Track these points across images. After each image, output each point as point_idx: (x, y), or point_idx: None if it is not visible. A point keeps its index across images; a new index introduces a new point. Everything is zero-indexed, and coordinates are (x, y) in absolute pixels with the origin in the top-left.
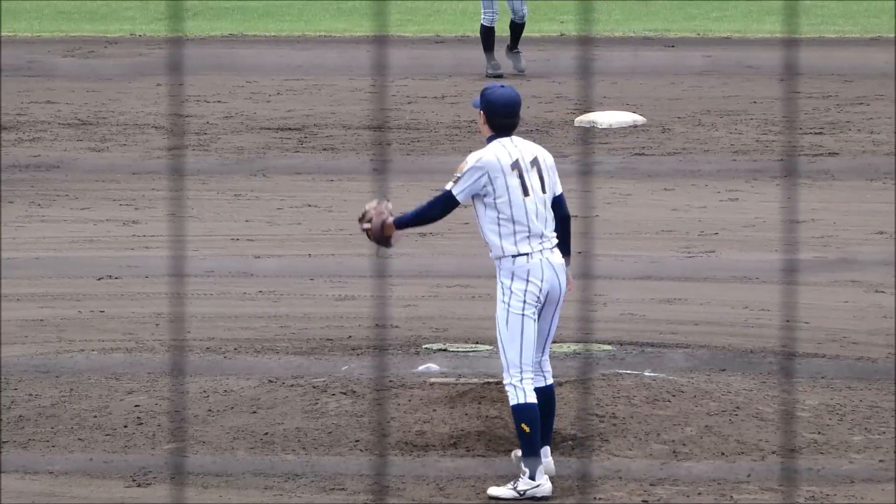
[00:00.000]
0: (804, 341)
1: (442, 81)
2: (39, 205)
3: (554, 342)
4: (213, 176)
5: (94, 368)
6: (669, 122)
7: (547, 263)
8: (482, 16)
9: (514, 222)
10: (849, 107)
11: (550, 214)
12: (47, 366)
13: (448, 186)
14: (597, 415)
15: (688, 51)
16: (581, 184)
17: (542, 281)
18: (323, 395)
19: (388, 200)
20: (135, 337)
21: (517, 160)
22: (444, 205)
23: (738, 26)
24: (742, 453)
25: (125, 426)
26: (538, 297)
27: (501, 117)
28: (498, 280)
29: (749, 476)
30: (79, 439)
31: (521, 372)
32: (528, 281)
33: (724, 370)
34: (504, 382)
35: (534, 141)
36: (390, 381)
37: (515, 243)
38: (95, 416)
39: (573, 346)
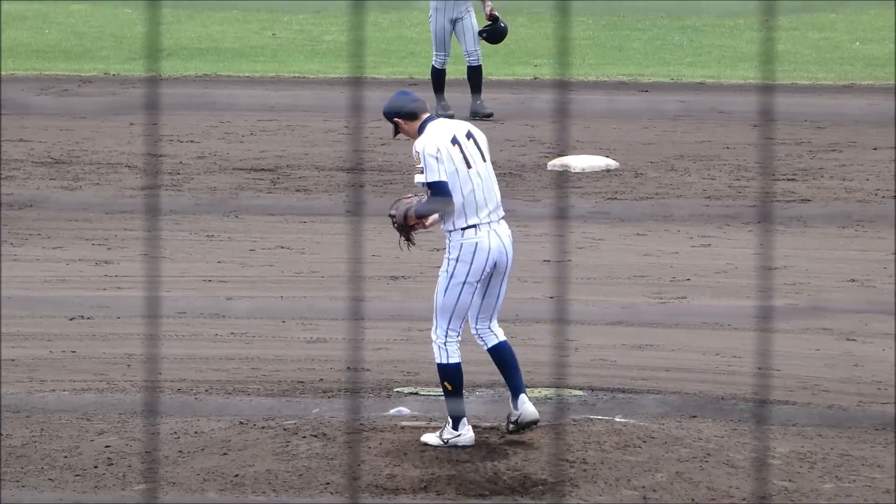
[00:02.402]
0: (775, 388)
1: None
2: (12, 244)
3: (527, 387)
4: (186, 216)
5: (66, 408)
6: (642, 167)
7: (494, 235)
8: (434, 58)
9: (462, 195)
10: (822, 153)
11: (495, 184)
12: (18, 405)
13: (428, 178)
14: (567, 460)
15: (661, 96)
16: (553, 228)
17: (488, 253)
18: (294, 437)
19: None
20: (106, 377)
21: (454, 135)
22: (442, 192)
23: (712, 72)
24: (713, 500)
25: (96, 467)
26: (482, 272)
27: (412, 102)
28: (446, 253)
29: None
30: (49, 479)
31: (446, 335)
32: (473, 255)
33: (695, 416)
34: (432, 340)
35: (506, 185)
36: (361, 424)
37: (465, 216)
38: (66, 457)
39: (545, 391)
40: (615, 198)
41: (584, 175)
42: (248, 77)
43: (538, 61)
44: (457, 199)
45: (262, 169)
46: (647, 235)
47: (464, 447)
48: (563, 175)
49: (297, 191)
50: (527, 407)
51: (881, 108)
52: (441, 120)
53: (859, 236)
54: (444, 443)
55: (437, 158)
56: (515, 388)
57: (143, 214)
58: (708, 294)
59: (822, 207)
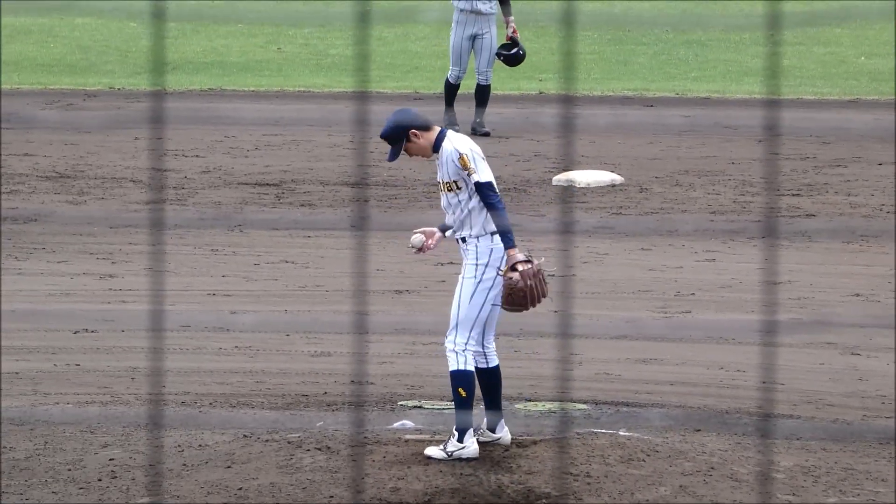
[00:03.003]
0: (779, 403)
1: None
2: (16, 257)
3: (529, 401)
4: (191, 231)
5: (69, 421)
6: (647, 182)
7: None
8: (449, 71)
9: None
10: (827, 169)
11: None
12: (22, 418)
13: (482, 178)
14: (571, 473)
15: (667, 110)
16: (558, 243)
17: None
18: (298, 450)
19: (413, 240)
20: (110, 391)
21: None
22: (495, 192)
23: (717, 87)
24: None
25: (100, 480)
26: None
27: (423, 116)
28: (473, 258)
29: None
30: (53, 492)
31: (466, 342)
32: (502, 259)
33: (699, 430)
34: (447, 348)
35: (511, 200)
36: (365, 437)
37: (492, 222)
38: (70, 470)
39: (549, 405)
40: (620, 213)
41: (589, 190)
42: (252, 91)
43: (543, 76)
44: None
45: (267, 184)
46: (651, 250)
47: (467, 460)
48: (568, 190)
49: (302, 205)
50: (507, 431)
51: (885, 124)
52: (453, 132)
53: (864, 251)
54: (449, 456)
55: (484, 159)
56: (499, 409)
57: (147, 229)
58: (712, 308)
59: (826, 222)
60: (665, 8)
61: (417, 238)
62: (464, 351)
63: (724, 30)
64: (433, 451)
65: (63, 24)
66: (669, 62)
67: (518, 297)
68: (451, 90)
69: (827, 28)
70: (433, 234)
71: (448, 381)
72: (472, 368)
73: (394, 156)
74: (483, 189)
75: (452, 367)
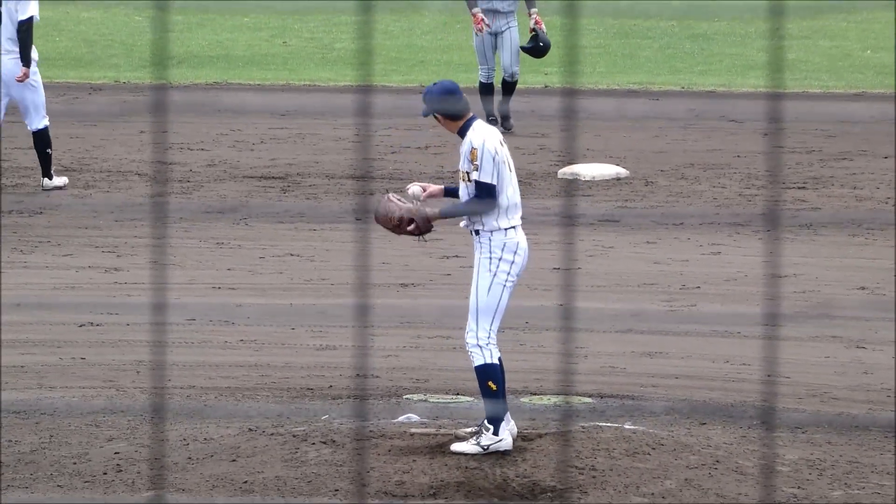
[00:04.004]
0: (785, 396)
1: (426, 132)
2: (22, 251)
3: (534, 394)
4: (196, 224)
5: (75, 415)
6: (653, 175)
7: (524, 237)
8: (479, 72)
9: (507, 196)
10: (832, 162)
11: None
12: (27, 412)
13: (482, 178)
14: (576, 467)
15: (672, 104)
16: (563, 236)
17: (524, 253)
18: (303, 444)
19: (408, 191)
20: (115, 384)
21: (500, 138)
22: (489, 196)
23: (723, 80)
24: None
25: (105, 473)
26: (519, 273)
27: (461, 96)
28: (486, 252)
29: None
30: (58, 486)
31: (489, 336)
32: (515, 253)
33: (704, 424)
34: (469, 344)
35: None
36: (370, 430)
37: (508, 217)
38: (75, 463)
39: (553, 398)
40: (625, 206)
41: (594, 183)
42: (258, 85)
43: (548, 69)
44: (502, 199)
45: (273, 177)
46: (657, 243)
47: (504, 452)
48: (574, 183)
49: (307, 199)
50: (513, 424)
51: (888, 116)
52: (481, 121)
53: (869, 244)
54: (485, 450)
55: (493, 159)
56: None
57: (152, 222)
58: (718, 302)
59: (831, 215)
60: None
61: (416, 189)
62: (487, 345)
63: (730, 19)
64: (464, 447)
65: (69, 18)
66: (675, 56)
67: (383, 219)
68: (485, 89)
69: (833, 21)
70: (435, 190)
71: (454, 374)
72: (497, 361)
73: (424, 115)
74: (479, 186)
75: (478, 362)
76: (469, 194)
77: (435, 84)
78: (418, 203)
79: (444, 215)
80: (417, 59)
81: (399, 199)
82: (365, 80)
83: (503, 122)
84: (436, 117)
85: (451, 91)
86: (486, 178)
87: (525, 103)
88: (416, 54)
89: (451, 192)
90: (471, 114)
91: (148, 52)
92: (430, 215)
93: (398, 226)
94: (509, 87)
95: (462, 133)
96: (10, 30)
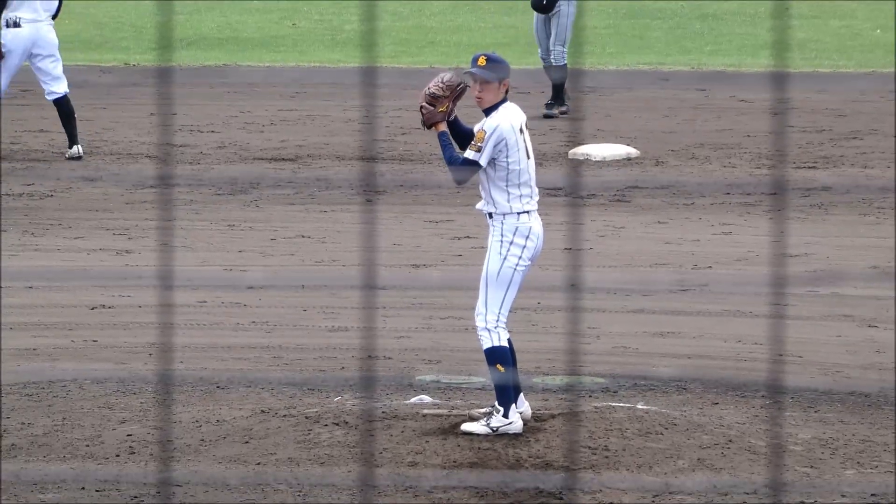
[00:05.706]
0: (797, 375)
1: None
2: (33, 234)
3: (546, 374)
4: (207, 206)
5: (87, 398)
6: (663, 155)
7: (538, 222)
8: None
9: (520, 183)
10: (843, 141)
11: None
12: (40, 395)
13: (471, 155)
14: (589, 447)
15: (682, 84)
16: (574, 216)
17: (537, 239)
18: (315, 425)
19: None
20: (127, 367)
21: (521, 125)
22: (470, 171)
23: (733, 60)
24: (734, 486)
25: (118, 455)
26: (531, 257)
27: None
28: (498, 235)
29: None
30: (71, 468)
31: (497, 318)
32: (527, 238)
33: (716, 403)
34: (478, 327)
35: None
36: (383, 412)
37: (521, 202)
38: (88, 446)
39: (566, 379)
40: (636, 186)
41: (604, 163)
42: (268, 67)
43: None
44: (514, 184)
45: (283, 158)
46: (668, 223)
47: (513, 434)
48: (584, 163)
49: (318, 180)
50: (527, 406)
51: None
52: (512, 104)
53: (880, 223)
54: (494, 431)
55: (495, 145)
56: (519, 385)
57: (162, 205)
58: (729, 281)
59: (842, 195)
60: None
61: (449, 76)
62: (496, 328)
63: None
64: (474, 427)
65: (78, 2)
66: (685, 36)
67: (430, 85)
68: (547, 72)
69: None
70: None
71: (466, 355)
72: (507, 343)
73: (488, 81)
74: (464, 160)
75: (486, 344)
76: (482, 174)
77: (492, 52)
78: (450, 104)
79: (440, 138)
80: (427, 41)
81: (444, 87)
82: (374, 61)
83: (549, 114)
84: (479, 88)
85: (496, 71)
86: (474, 157)
87: (535, 84)
88: (426, 35)
89: (463, 131)
90: (506, 99)
91: (157, 35)
92: (438, 121)
93: (426, 96)
94: (550, 74)
95: (490, 111)
96: None
